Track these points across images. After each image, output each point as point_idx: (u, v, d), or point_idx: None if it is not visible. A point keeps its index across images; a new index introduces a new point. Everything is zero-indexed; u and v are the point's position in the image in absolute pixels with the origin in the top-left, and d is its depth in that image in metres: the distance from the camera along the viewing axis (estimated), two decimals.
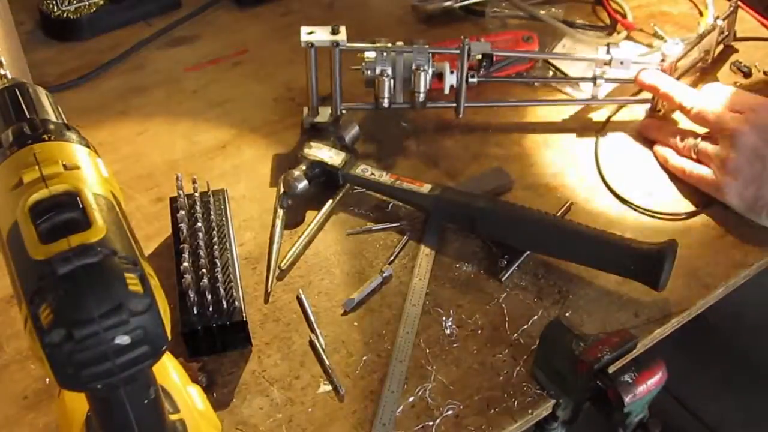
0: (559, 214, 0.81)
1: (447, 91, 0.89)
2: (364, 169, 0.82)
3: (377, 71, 0.86)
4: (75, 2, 1.06)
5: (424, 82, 0.86)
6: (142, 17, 1.10)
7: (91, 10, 1.06)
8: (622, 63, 0.90)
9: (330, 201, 0.82)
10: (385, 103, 0.88)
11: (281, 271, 0.76)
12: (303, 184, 0.81)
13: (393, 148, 0.90)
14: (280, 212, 0.81)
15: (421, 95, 0.87)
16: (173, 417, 0.55)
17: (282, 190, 0.81)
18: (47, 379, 0.67)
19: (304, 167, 0.82)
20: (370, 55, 0.87)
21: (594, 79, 0.91)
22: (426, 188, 0.79)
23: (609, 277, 0.76)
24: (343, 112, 0.90)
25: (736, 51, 1.03)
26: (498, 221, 0.77)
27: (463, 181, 0.85)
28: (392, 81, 0.87)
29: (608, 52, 0.90)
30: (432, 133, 0.93)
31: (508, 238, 0.77)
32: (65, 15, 1.06)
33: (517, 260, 0.77)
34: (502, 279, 0.76)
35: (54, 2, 1.06)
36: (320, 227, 0.81)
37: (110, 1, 1.07)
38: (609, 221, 0.82)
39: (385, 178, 0.81)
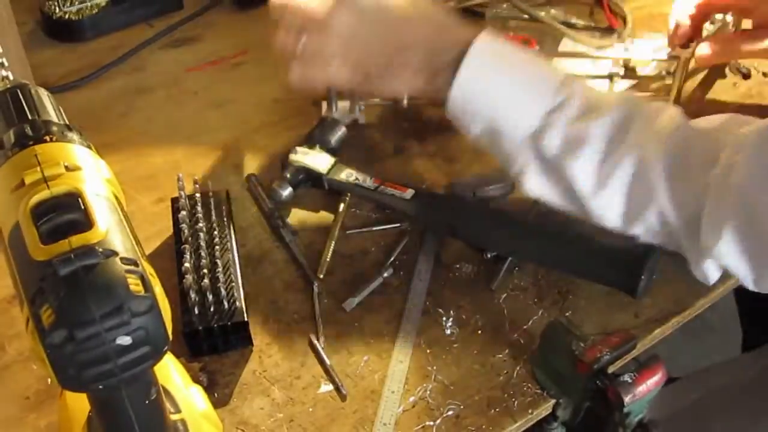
0: (533, 212, 0.82)
1: None
2: (349, 174, 0.82)
3: None
4: (77, 3, 1.06)
5: None
6: (143, 18, 1.10)
7: (93, 12, 1.07)
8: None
9: (339, 208, 0.82)
10: (405, 102, 0.92)
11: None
12: (288, 192, 0.82)
13: (394, 149, 0.91)
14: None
15: None
16: (174, 417, 0.55)
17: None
18: (49, 380, 0.67)
19: (288, 175, 0.83)
20: None
21: (611, 77, 0.92)
22: (408, 194, 0.80)
23: None
24: (362, 107, 0.92)
25: None
26: (477, 228, 0.77)
27: (464, 181, 0.85)
28: None
29: (626, 49, 0.92)
30: (434, 134, 0.93)
31: (488, 244, 0.78)
32: (67, 16, 1.06)
33: (503, 265, 0.77)
34: (494, 288, 0.75)
35: (56, 3, 1.06)
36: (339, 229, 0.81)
37: (112, 2, 1.08)
38: None
39: (368, 183, 0.81)
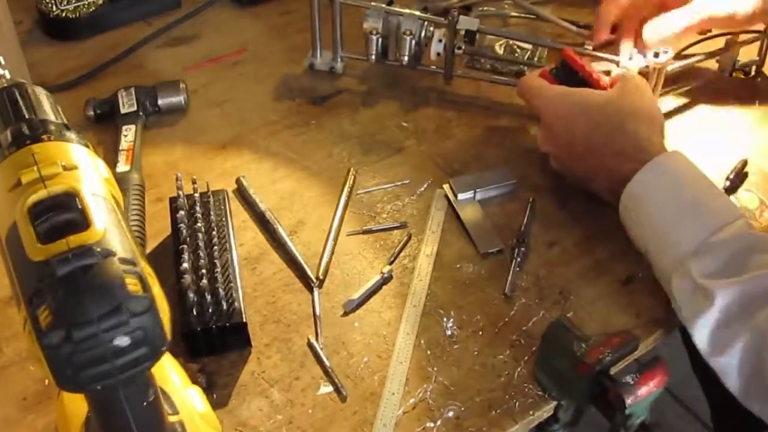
0: (527, 214, 0.81)
1: (433, 57, 0.94)
2: None
3: (368, 29, 0.93)
4: (74, 1, 1.05)
5: (408, 46, 0.93)
6: (141, 16, 1.10)
7: (90, 10, 1.06)
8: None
9: (339, 207, 0.82)
10: (373, 58, 0.95)
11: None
12: None
13: (393, 148, 0.90)
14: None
15: (405, 58, 0.94)
16: (173, 418, 0.55)
17: None
18: (46, 381, 0.67)
19: None
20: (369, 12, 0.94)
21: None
22: None
23: (610, 278, 0.76)
24: (342, 58, 0.99)
25: None
26: None
27: (467, 177, 0.85)
28: (379, 39, 0.94)
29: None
30: (432, 133, 0.92)
31: None
32: (64, 14, 1.05)
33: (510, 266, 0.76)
34: (507, 292, 0.75)
35: (53, 1, 1.05)
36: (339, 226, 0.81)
37: (109, 0, 1.07)
38: (611, 220, 0.82)
39: None
